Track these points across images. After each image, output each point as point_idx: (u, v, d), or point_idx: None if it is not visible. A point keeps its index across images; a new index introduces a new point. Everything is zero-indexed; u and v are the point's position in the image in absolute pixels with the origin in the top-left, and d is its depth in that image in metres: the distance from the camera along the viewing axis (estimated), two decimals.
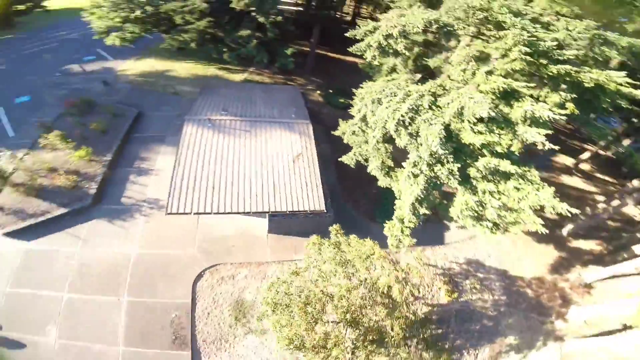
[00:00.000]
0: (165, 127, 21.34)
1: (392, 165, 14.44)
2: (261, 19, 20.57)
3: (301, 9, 32.03)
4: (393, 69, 15.23)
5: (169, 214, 14.26)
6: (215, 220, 16.78)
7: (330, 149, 20.74)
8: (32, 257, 14.75)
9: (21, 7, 34.32)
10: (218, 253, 15.72)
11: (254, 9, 20.28)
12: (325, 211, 15.38)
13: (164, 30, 22.43)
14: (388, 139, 13.06)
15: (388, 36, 11.13)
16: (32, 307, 13.49)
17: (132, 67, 27.48)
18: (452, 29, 10.91)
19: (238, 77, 27.56)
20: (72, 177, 17.11)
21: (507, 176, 10.34)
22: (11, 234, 15.18)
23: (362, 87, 14.61)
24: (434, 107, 10.86)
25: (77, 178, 17.32)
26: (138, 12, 20.24)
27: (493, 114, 8.92)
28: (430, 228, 18.24)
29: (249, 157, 16.80)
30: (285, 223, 16.68)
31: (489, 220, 10.89)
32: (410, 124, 10.99)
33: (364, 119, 13.71)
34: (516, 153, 10.74)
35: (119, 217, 16.50)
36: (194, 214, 14.54)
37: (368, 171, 15.13)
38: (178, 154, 16.33)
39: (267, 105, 20.39)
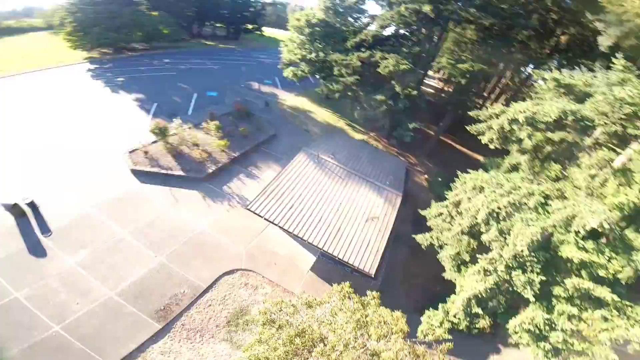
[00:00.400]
0: (285, 151, 24.66)
1: (467, 260, 12.55)
2: (398, 89, 22.43)
3: (443, 94, 33.24)
4: (515, 167, 13.76)
5: (247, 209, 16.54)
6: (276, 236, 17.59)
7: (411, 231, 19.68)
8: (132, 195, 18.04)
9: (250, 26, 47.10)
10: (259, 262, 16.12)
11: (396, 78, 22.44)
12: (372, 276, 14.38)
13: (322, 77, 27.24)
14: (474, 234, 11.70)
15: (513, 121, 10.29)
16: (92, 229, 15.37)
17: (289, 99, 33.75)
18: (590, 123, 9.34)
19: (358, 136, 29.93)
20: (204, 154, 21.46)
21: (599, 304, 7.79)
22: (135, 172, 19.42)
23: (469, 172, 13.89)
24: (540, 210, 9.36)
25: (206, 157, 21.54)
26: (313, 55, 25.53)
27: (607, 225, 7.05)
28: (477, 342, 14.26)
29: (332, 198, 18.33)
30: (330, 269, 16.18)
31: (549, 343, 8.22)
32: (504, 219, 9.73)
33: (457, 204, 12.86)
34: (622, 282, 8.03)
35: (212, 198, 19.23)
36: (264, 218, 16.39)
37: (438, 257, 13.56)
38: (282, 170, 19.29)
39: (368, 165, 21.87)
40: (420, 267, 17.82)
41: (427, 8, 19.88)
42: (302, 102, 33.63)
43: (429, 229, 14.71)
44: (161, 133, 21.96)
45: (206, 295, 14.23)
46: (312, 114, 31.88)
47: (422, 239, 14.62)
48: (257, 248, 16.87)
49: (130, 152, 20.56)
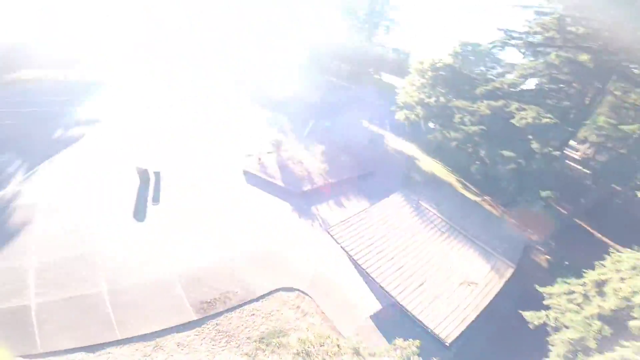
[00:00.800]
0: (380, 190, 22.82)
1: (593, 347, 9.66)
2: (535, 146, 18.75)
3: (586, 169, 26.04)
4: None
5: (328, 231, 16.47)
6: (347, 269, 16.29)
7: (512, 307, 15.58)
8: (236, 190, 20.38)
9: (370, 69, 50.00)
10: (320, 290, 14.91)
11: (534, 133, 19.05)
12: (447, 344, 11.68)
13: (439, 123, 25.39)
14: (613, 318, 9.18)
15: None
16: (188, 210, 18.03)
17: (395, 142, 33.11)
18: None
19: (469, 195, 26.42)
20: (305, 173, 22.72)
21: None
22: (246, 173, 21.98)
23: (629, 250, 11.61)
24: None
25: (306, 175, 22.57)
26: (432, 99, 24.22)
27: None
28: None
29: (422, 249, 16.44)
30: (395, 324, 13.74)
31: None
32: None
33: (599, 284, 10.77)
34: None
35: (299, 213, 19.56)
36: (341, 246, 15.80)
37: (549, 339, 11.25)
38: (374, 205, 18.75)
39: (477, 226, 18.74)
40: (511, 349, 13.74)
41: (584, 57, 16.54)
42: (408, 148, 32.40)
43: (545, 308, 12.71)
44: (277, 146, 24.78)
45: (254, 304, 13.72)
46: (418, 161, 30.17)
47: (533, 316, 12.23)
48: (323, 275, 15.81)
49: (248, 155, 23.67)
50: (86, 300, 12.54)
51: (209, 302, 13.20)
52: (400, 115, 27.55)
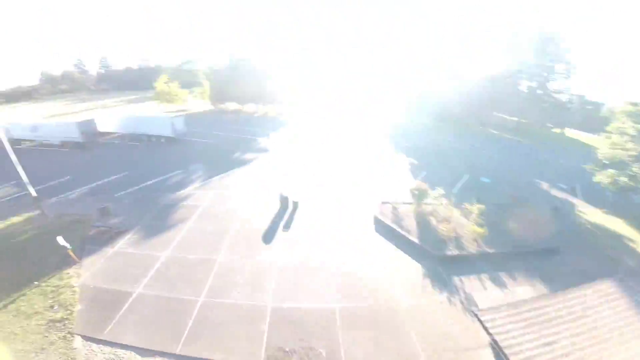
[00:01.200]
0: (564, 273, 16.63)
1: None
2: None
3: None
4: None
5: (475, 314, 12.78)
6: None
7: None
8: (364, 237, 19.02)
9: (550, 125, 40.89)
10: None
11: None
12: None
13: None
14: None
15: None
16: (313, 243, 17.86)
17: (592, 214, 23.88)
18: None
19: None
20: (451, 233, 18.68)
21: None
22: (377, 220, 20.51)
23: None
24: None
25: (452, 237, 18.48)
26: None
27: None
28: None
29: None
30: None
31: None
32: None
33: None
34: None
35: (432, 280, 15.66)
36: (492, 338, 11.74)
37: None
38: (557, 293, 14.12)
39: None
40: None
41: None
42: (613, 223, 22.69)
43: None
44: (419, 195, 21.74)
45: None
46: (631, 242, 20.48)
47: None
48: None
49: (382, 202, 22.02)
50: (179, 304, 13.03)
51: (286, 351, 11.39)
52: (602, 177, 19.61)
